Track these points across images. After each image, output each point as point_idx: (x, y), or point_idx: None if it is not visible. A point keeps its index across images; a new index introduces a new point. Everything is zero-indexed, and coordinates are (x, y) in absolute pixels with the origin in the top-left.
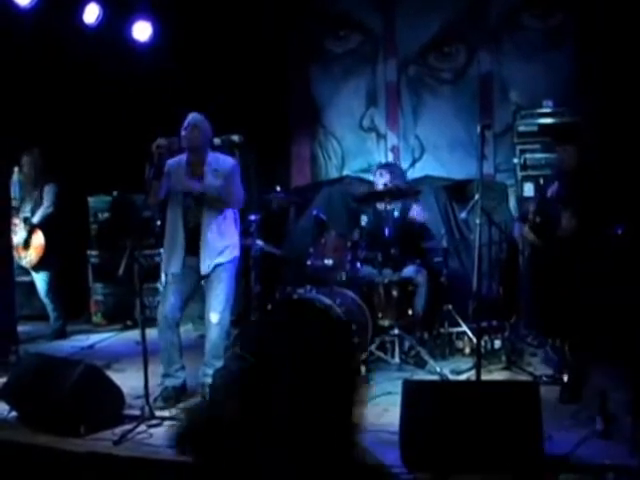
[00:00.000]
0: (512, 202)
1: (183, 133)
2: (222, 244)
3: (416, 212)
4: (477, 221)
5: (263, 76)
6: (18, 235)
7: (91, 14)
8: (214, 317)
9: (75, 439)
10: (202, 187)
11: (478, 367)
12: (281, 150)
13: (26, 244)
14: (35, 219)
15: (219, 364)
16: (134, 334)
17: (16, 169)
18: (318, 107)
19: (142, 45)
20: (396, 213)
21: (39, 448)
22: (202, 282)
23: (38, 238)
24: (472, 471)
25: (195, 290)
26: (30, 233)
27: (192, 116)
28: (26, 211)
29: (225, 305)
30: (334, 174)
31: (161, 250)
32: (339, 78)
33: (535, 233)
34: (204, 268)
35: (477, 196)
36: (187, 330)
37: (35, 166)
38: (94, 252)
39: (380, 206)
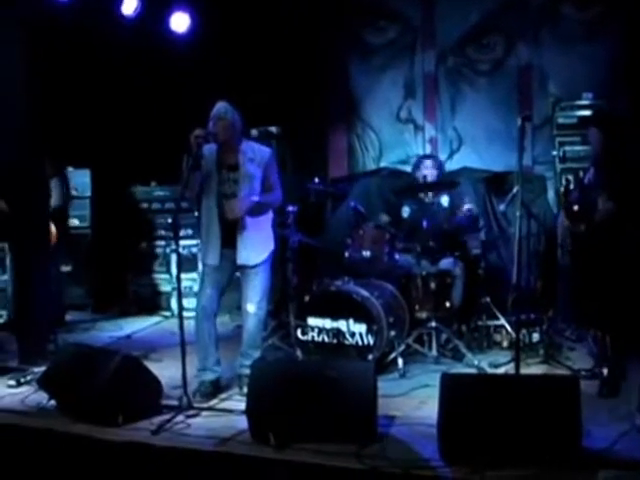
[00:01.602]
0: (550, 194)
1: (209, 125)
2: (258, 236)
3: (469, 206)
4: (517, 213)
5: (301, 67)
6: None
7: (129, 6)
8: (251, 308)
9: (113, 429)
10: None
11: (517, 361)
12: (318, 142)
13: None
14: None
15: (256, 354)
16: (171, 324)
17: None
18: (356, 98)
19: (180, 37)
20: (442, 205)
21: (77, 437)
22: (238, 273)
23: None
24: (510, 465)
25: (231, 281)
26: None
27: (217, 108)
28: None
29: (262, 296)
30: (371, 166)
31: (198, 241)
32: (377, 69)
33: (575, 221)
34: (240, 260)
35: (516, 188)
36: (224, 321)
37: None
38: (131, 243)
39: (422, 198)
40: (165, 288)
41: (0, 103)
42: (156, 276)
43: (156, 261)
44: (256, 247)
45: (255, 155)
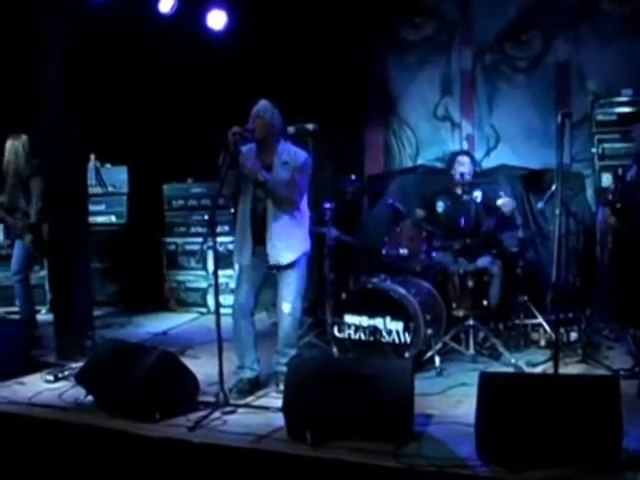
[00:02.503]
0: (589, 192)
1: (249, 123)
2: (289, 236)
3: (504, 202)
4: (556, 211)
5: (338, 64)
6: (19, 225)
7: (166, 4)
8: (286, 307)
9: (150, 424)
10: (269, 177)
11: (555, 360)
12: (355, 139)
13: (37, 244)
14: (33, 218)
15: (292, 353)
16: (207, 320)
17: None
18: (392, 95)
19: (217, 34)
20: (477, 202)
21: (115, 432)
22: (273, 271)
23: (45, 231)
24: (549, 466)
25: (266, 279)
26: (37, 232)
27: (257, 106)
28: (22, 204)
29: (296, 294)
30: (408, 163)
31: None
32: (414, 66)
33: (617, 218)
34: (271, 260)
35: (555, 186)
36: (261, 318)
37: (17, 152)
38: (168, 239)
39: (459, 195)
40: (201, 285)
41: (42, 104)
42: (192, 273)
43: (192, 258)
44: (287, 247)
45: (290, 158)
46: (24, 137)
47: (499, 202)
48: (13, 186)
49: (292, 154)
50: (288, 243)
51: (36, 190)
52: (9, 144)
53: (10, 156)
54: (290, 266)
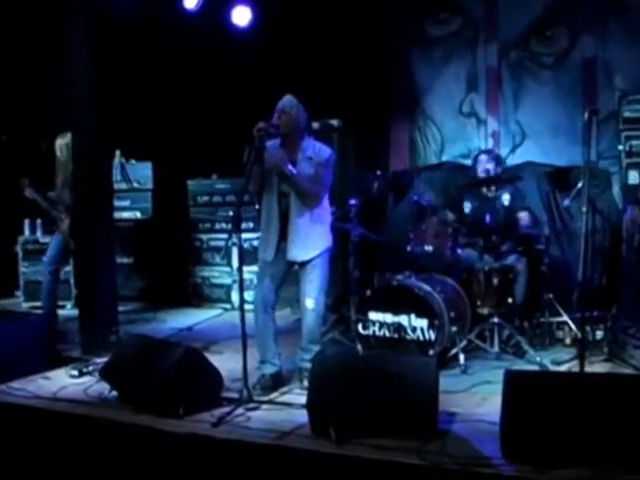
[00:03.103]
0: (616, 190)
1: (274, 118)
2: (311, 232)
3: (524, 220)
4: (583, 209)
5: (363, 60)
6: (65, 223)
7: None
8: (309, 303)
9: (174, 420)
10: (295, 171)
11: (581, 358)
12: (380, 135)
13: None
14: None
15: (316, 349)
16: (231, 316)
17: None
18: (417, 91)
19: (241, 30)
20: (504, 204)
21: (139, 428)
22: (295, 267)
23: None
24: (575, 465)
25: (288, 275)
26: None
27: (282, 101)
28: (66, 198)
29: (319, 290)
30: (433, 159)
31: (259, 234)
32: (439, 62)
33: None
34: (290, 256)
35: (581, 183)
36: (285, 314)
37: (69, 151)
38: (193, 235)
39: (483, 193)
40: (225, 281)
41: (69, 102)
42: (217, 269)
43: (217, 254)
44: (307, 244)
45: (314, 154)
46: (69, 135)
47: (519, 217)
48: (62, 183)
49: (316, 150)
50: (310, 239)
51: None
52: (58, 144)
53: (60, 155)
54: (312, 262)
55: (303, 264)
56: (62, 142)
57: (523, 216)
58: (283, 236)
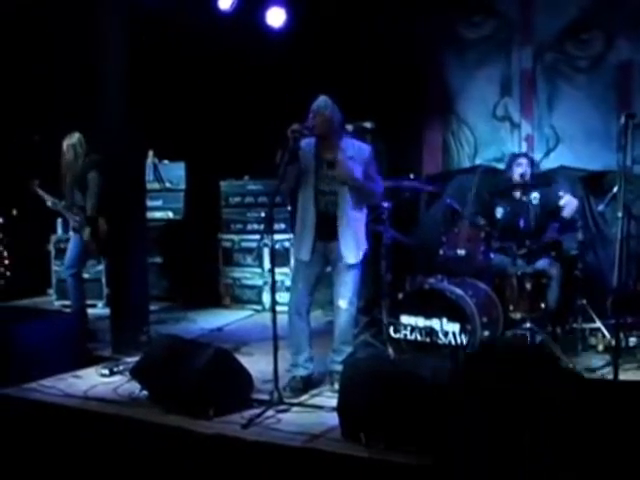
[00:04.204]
0: None
1: (309, 118)
2: (357, 233)
3: (567, 201)
4: (619, 214)
5: (396, 62)
6: (82, 225)
7: (226, 1)
8: (343, 303)
9: (204, 421)
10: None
11: (615, 365)
12: (413, 137)
13: (93, 236)
14: (89, 211)
15: (348, 350)
16: (262, 318)
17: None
18: (451, 95)
19: (276, 31)
20: (534, 204)
21: (169, 428)
22: (328, 268)
23: (102, 225)
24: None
25: (322, 276)
26: (93, 224)
27: (317, 102)
28: (78, 199)
29: (354, 292)
30: (466, 163)
31: (290, 235)
32: (473, 65)
33: None
34: (342, 258)
35: (616, 188)
36: (316, 316)
37: (76, 152)
38: (225, 236)
39: (517, 196)
40: (257, 282)
41: (103, 102)
42: (248, 270)
43: (248, 255)
44: (354, 245)
45: (355, 152)
46: (77, 135)
47: (562, 202)
48: (71, 185)
49: (356, 148)
50: (356, 241)
51: (92, 185)
52: (65, 145)
53: (68, 155)
54: (353, 264)
55: (345, 265)
56: (69, 142)
57: (565, 200)
58: (319, 236)
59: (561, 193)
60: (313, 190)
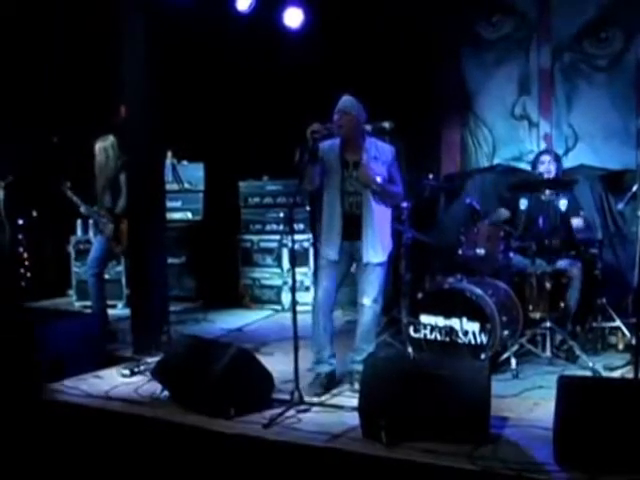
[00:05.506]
0: None
1: (334, 118)
2: (383, 232)
3: (579, 225)
4: (638, 213)
5: (414, 62)
6: (107, 226)
7: (244, 2)
8: (367, 301)
9: (225, 421)
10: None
11: (636, 364)
12: (432, 137)
13: (115, 235)
14: (118, 210)
15: (369, 349)
16: (281, 318)
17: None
18: (469, 94)
19: (293, 32)
20: (560, 210)
21: (190, 428)
22: (352, 268)
23: (124, 225)
24: (627, 473)
25: (347, 275)
26: (117, 223)
27: (342, 101)
28: (106, 201)
29: (379, 291)
30: (484, 162)
31: (309, 235)
32: (491, 64)
33: None
34: (366, 257)
35: (636, 187)
36: (336, 316)
37: (107, 154)
38: (244, 236)
39: (539, 195)
40: (276, 282)
41: (123, 103)
42: (267, 270)
43: (268, 255)
44: (380, 246)
45: (379, 153)
46: (111, 138)
47: (574, 222)
48: (103, 187)
49: (379, 149)
50: (384, 241)
51: (123, 187)
52: (97, 146)
53: (100, 157)
54: (379, 263)
55: (370, 265)
56: (102, 145)
57: (577, 222)
58: (345, 236)
59: (581, 213)
60: (339, 191)
